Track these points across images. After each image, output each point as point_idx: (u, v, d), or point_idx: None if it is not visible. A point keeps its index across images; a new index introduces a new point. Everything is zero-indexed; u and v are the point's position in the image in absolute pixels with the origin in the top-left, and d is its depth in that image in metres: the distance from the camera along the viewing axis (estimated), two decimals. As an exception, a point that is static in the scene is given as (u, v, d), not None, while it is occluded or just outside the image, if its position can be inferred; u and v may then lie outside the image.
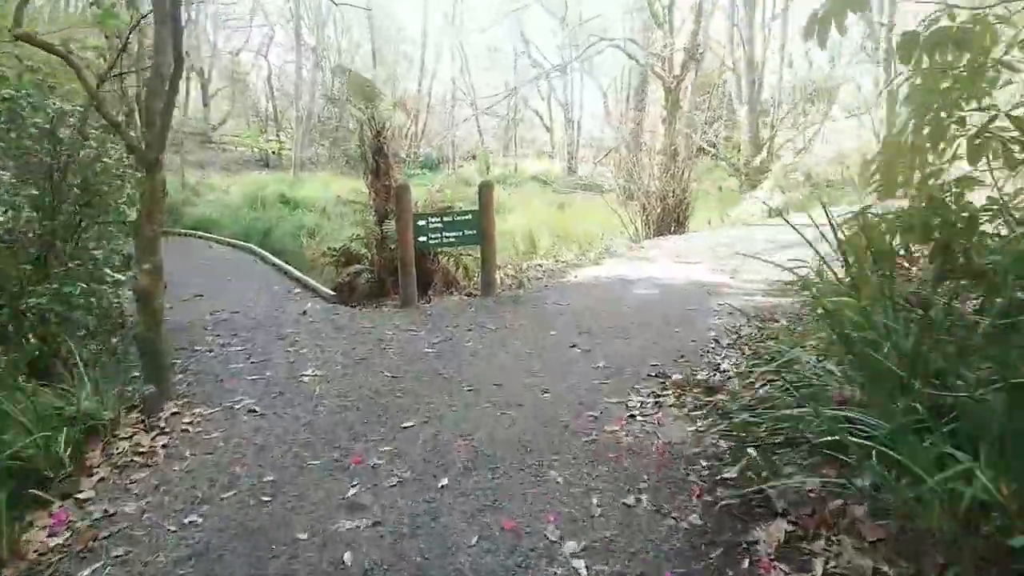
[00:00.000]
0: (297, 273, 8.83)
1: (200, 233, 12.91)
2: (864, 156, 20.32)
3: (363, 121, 9.01)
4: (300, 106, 32.56)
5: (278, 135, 35.91)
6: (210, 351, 5.54)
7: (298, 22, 34.67)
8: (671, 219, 12.90)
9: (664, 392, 4.24)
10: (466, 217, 7.34)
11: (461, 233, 7.31)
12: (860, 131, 27.24)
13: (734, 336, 5.35)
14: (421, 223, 7.09)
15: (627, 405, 4.05)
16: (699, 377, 4.38)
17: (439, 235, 7.21)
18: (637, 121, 16.92)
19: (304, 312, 6.81)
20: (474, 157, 33.31)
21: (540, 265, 10.87)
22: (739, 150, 24.65)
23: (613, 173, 21.16)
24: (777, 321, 5.61)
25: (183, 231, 13.44)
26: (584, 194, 25.85)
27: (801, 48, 32.38)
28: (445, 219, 7.24)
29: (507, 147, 40.35)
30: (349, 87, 9.09)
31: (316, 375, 4.85)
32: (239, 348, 5.59)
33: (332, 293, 7.78)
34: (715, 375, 4.42)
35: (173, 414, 4.22)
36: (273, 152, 35.61)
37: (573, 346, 5.38)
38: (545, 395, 4.30)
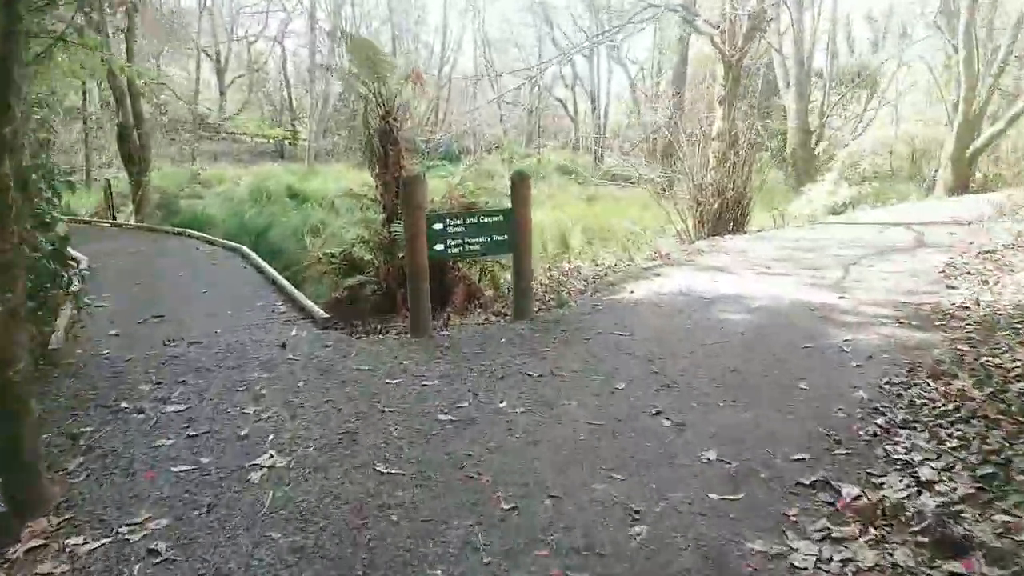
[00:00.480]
0: (287, 286, 7.19)
1: (190, 232, 11.37)
2: (936, 145, 18.28)
3: (367, 98, 7.35)
4: (315, 93, 31.07)
5: (293, 124, 34.48)
6: (139, 412, 3.91)
7: (314, 6, 33.15)
8: (729, 217, 11.07)
9: (842, 526, 2.51)
10: (495, 219, 5.63)
11: (488, 239, 5.62)
12: (918, 117, 25.07)
13: (903, 402, 3.59)
14: (437, 226, 5.39)
15: (789, 561, 2.33)
16: (891, 495, 2.64)
17: (460, 242, 5.51)
18: (679, 104, 15.07)
19: (284, 344, 5.16)
20: (497, 147, 31.57)
21: (578, 269, 9.17)
22: (783, 138, 22.61)
23: (647, 163, 19.32)
24: (954, 375, 3.84)
25: (175, 229, 11.93)
26: (613, 187, 24.04)
27: (852, 28, 30.12)
28: (469, 221, 5.54)
29: (530, 138, 38.51)
30: (352, 54, 7.42)
31: (273, 467, 3.18)
32: (179, 408, 3.95)
33: (325, 316, 6.12)
34: (916, 491, 2.68)
35: (30, 551, 2.59)
36: (288, 142, 34.21)
37: (657, 413, 3.66)
38: (636, 528, 2.58)
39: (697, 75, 22.47)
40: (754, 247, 8.91)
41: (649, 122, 24.61)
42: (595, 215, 16.94)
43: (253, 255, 8.99)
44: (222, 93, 37.54)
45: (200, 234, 11.04)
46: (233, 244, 9.89)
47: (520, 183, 5.63)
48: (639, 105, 33.29)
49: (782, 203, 15.10)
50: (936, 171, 22.48)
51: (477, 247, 5.60)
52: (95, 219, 14.52)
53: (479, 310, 7.04)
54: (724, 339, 4.93)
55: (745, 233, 10.84)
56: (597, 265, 9.71)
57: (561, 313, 6.01)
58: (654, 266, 8.00)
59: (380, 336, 5.68)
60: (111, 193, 15.02)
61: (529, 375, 4.33)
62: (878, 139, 22.41)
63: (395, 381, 4.28)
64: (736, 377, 4.16)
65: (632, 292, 6.58)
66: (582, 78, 42.57)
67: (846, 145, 22.67)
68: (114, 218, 14.58)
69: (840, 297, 5.96)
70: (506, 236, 5.67)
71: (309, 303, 6.35)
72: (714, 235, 10.90)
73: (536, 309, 6.36)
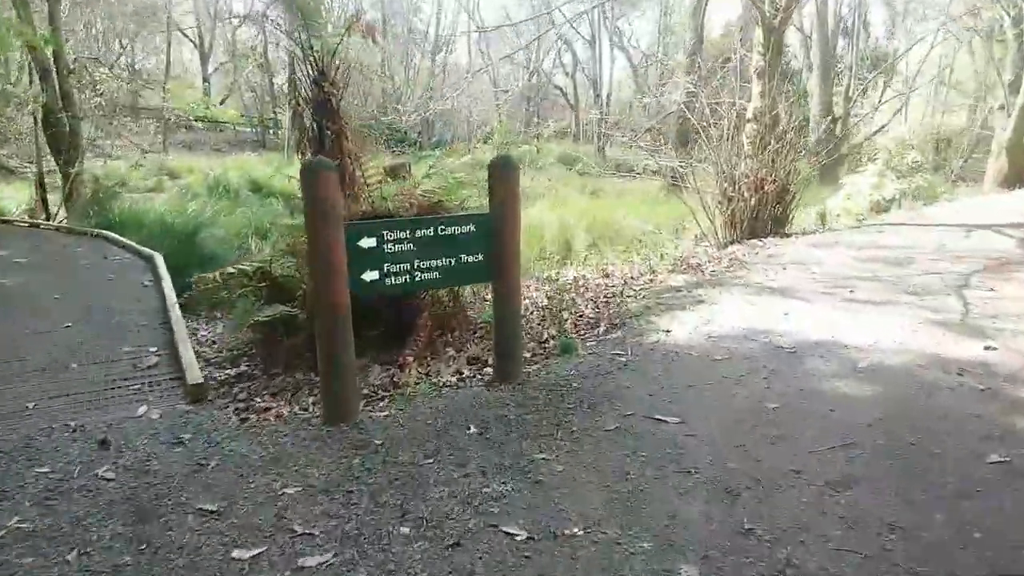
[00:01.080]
0: (178, 321, 5.13)
1: (107, 234, 9.31)
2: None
3: (293, 53, 5.30)
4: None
5: (275, 112, 32.30)
6: None
7: (295, -15, 30.93)
8: (767, 215, 9.02)
9: None
10: (465, 228, 3.57)
11: (453, 261, 3.56)
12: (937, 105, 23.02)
13: None
14: (366, 243, 3.31)
15: None
16: None
17: (407, 267, 3.46)
18: (703, 80, 12.98)
19: (105, 440, 3.13)
20: (492, 136, 29.43)
21: (582, 283, 7.13)
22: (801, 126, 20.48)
23: (659, 151, 17.33)
24: None
25: (93, 231, 9.87)
26: (617, 178, 21.94)
27: (870, 8, 27.94)
28: (421, 234, 3.47)
29: (528, 127, 36.35)
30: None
31: None
32: None
33: (197, 382, 4.02)
34: None
35: None
36: (272, 131, 32.15)
37: None
38: None
39: (712, 56, 20.36)
40: (816, 257, 6.85)
41: (659, 104, 22.46)
42: (600, 211, 14.86)
43: (160, 266, 6.94)
44: (205, 80, 35.41)
45: (117, 237, 8.98)
46: (149, 251, 7.84)
47: (504, 173, 3.58)
48: (647, 86, 31.10)
49: (810, 198, 13.05)
50: (963, 162, 20.51)
51: (435, 275, 3.55)
52: (19, 218, 12.46)
53: (450, 350, 5.00)
54: (845, 440, 2.89)
55: (790, 236, 8.80)
56: (607, 276, 7.67)
57: (566, 370, 3.97)
58: (689, 285, 5.95)
59: (282, 416, 3.63)
60: (44, 187, 12.95)
61: (508, 535, 2.30)
62: (912, 126, 20.37)
63: (252, 552, 2.25)
64: (905, 546, 2.14)
65: (668, 332, 4.54)
66: (584, 64, 40.48)
67: (875, 133, 20.64)
68: (47, 215, 12.51)
69: (986, 348, 3.92)
70: (481, 256, 3.62)
71: (189, 355, 4.27)
72: (750, 237, 8.85)
73: (528, 356, 4.33)
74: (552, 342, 4.70)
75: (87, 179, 12.94)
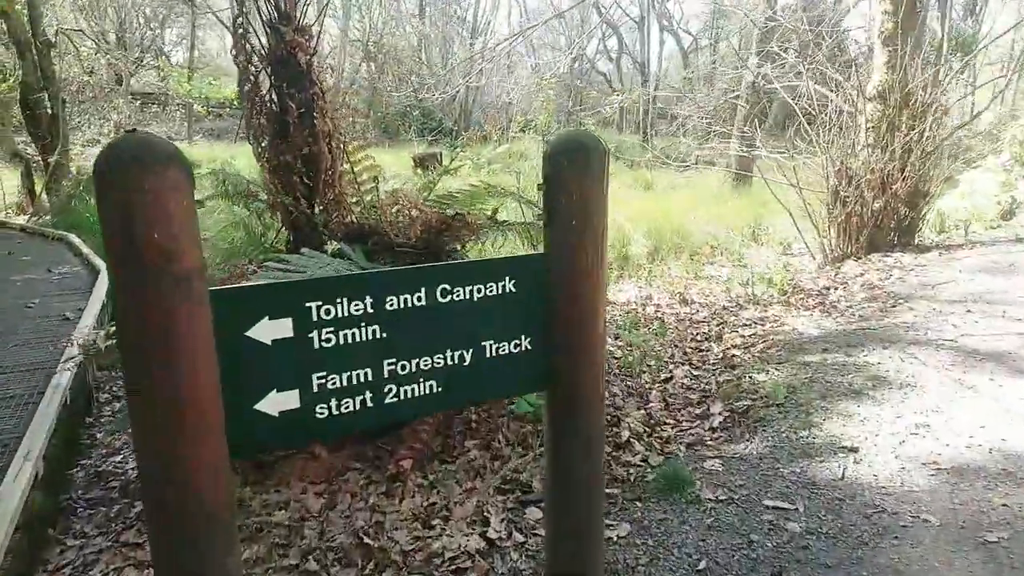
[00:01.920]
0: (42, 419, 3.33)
1: (71, 238, 7.70)
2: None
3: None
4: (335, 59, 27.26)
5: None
6: None
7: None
8: (892, 220, 6.93)
9: None
10: (497, 284, 1.68)
11: (469, 353, 1.67)
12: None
13: None
14: (267, 328, 1.45)
15: None
16: None
17: (366, 373, 1.58)
18: (805, 50, 10.75)
19: None
20: (531, 125, 27.42)
21: (655, 311, 5.22)
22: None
23: (727, 137, 15.22)
24: None
25: (58, 233, 8.30)
26: (671, 171, 19.72)
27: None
28: (400, 298, 1.58)
29: (570, 116, 34.19)
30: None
31: None
32: None
33: None
34: None
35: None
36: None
37: None
38: None
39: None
40: (999, 288, 4.77)
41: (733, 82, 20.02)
42: (658, 211, 12.79)
43: (104, 288, 5.23)
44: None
45: (78, 243, 7.35)
46: (102, 263, 6.17)
47: (576, 167, 1.66)
48: (718, 61, 28.58)
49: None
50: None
51: (429, 387, 1.65)
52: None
53: (472, 446, 3.11)
54: None
55: (927, 250, 6.70)
56: (687, 303, 5.73)
57: (686, 543, 2.06)
58: (831, 337, 3.94)
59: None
60: (31, 177, 11.49)
61: None
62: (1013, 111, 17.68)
63: None
64: None
65: (853, 452, 2.57)
66: (629, 49, 38.15)
67: (972, 119, 18.02)
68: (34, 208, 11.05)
69: None
70: (526, 339, 1.73)
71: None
72: (870, 251, 6.79)
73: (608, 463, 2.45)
74: (639, 457, 2.77)
75: (76, 169, 11.44)
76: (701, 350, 4.28)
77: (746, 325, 4.51)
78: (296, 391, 1.51)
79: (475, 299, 1.67)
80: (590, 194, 1.66)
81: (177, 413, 1.32)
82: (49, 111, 10.38)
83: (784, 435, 2.74)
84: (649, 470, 2.62)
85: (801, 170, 7.63)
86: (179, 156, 1.30)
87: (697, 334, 4.62)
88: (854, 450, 2.58)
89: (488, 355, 1.71)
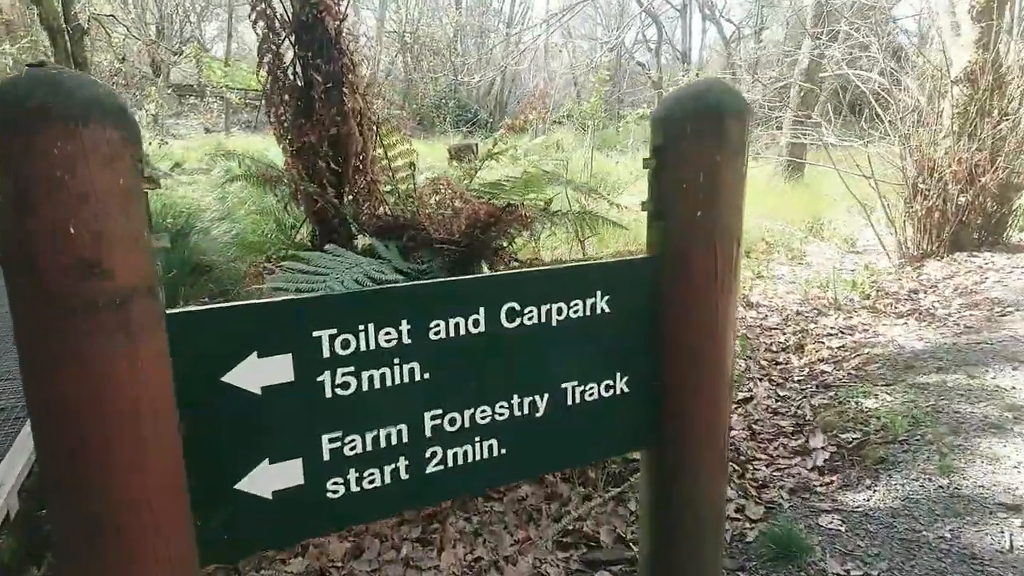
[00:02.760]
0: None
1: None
2: None
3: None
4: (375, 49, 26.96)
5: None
6: None
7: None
8: (979, 216, 6.23)
9: None
10: (585, 303, 1.20)
11: (543, 400, 1.20)
12: None
13: None
14: (248, 371, 0.99)
15: None
16: None
17: (398, 430, 1.11)
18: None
19: None
20: (568, 116, 26.79)
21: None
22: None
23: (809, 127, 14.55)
24: None
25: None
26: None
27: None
28: (442, 325, 1.10)
29: (609, 106, 33.41)
30: None
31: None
32: None
33: None
34: None
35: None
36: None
37: None
38: None
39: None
40: None
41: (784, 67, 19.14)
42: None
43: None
44: (230, 35, 33.83)
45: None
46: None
47: (707, 135, 1.15)
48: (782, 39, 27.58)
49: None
50: None
51: (488, 450, 1.18)
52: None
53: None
54: None
55: (1020, 250, 6.00)
56: (751, 306, 5.16)
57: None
58: (939, 352, 3.34)
59: None
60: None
61: None
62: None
63: None
64: None
65: (1016, 512, 2.02)
66: (669, 39, 37.18)
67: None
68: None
69: None
70: (621, 379, 1.24)
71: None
72: (954, 249, 6.12)
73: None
74: (733, 506, 2.25)
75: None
76: (779, 363, 3.73)
77: (831, 334, 3.94)
78: (298, 460, 1.03)
79: (554, 323, 1.18)
80: (724, 174, 1.15)
81: (113, 518, 0.86)
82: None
83: (917, 483, 2.19)
84: (748, 525, 2.10)
85: (871, 160, 6.96)
86: (113, 104, 0.83)
87: (771, 343, 4.06)
88: (1015, 508, 2.02)
89: (570, 402, 1.22)
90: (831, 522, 2.07)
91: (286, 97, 3.09)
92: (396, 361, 1.06)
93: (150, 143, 14.31)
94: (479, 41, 37.75)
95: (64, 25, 9.86)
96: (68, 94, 0.78)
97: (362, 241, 3.05)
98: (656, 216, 1.20)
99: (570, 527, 2.23)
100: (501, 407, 1.15)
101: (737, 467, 2.46)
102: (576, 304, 1.18)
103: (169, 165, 13.34)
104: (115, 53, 11.42)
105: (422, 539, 2.32)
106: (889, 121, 6.82)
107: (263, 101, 3.12)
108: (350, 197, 3.21)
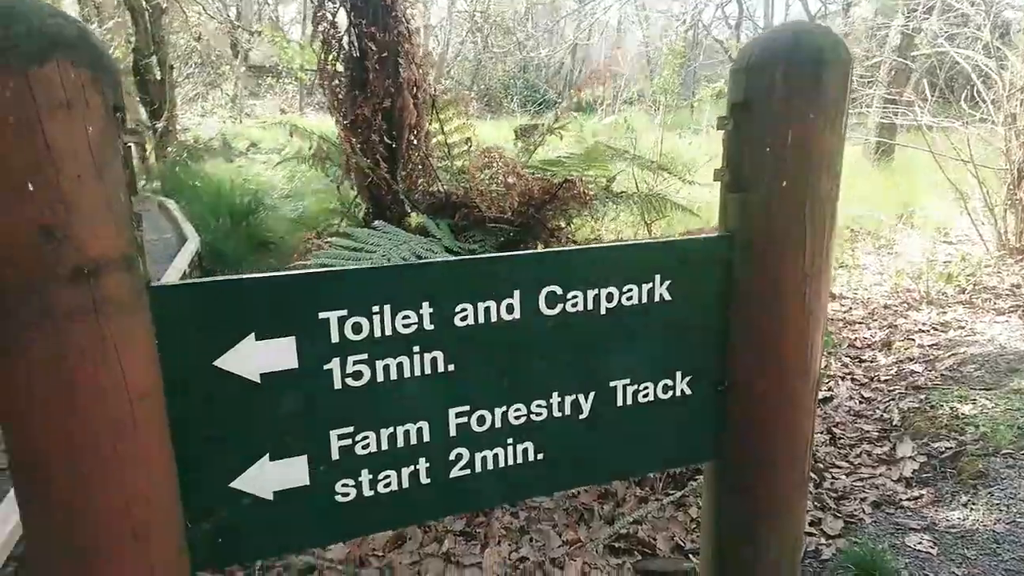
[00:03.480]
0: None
1: (168, 203, 7.64)
2: None
3: None
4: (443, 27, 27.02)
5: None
6: None
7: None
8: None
9: None
10: (640, 289, 1.03)
11: (588, 399, 1.04)
12: None
13: None
14: (242, 355, 0.86)
15: None
16: None
17: (424, 427, 0.97)
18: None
19: None
20: (640, 96, 26.07)
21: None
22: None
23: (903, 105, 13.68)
24: None
25: (159, 199, 8.34)
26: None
27: None
28: (469, 308, 0.94)
29: (683, 85, 32.37)
30: None
31: None
32: None
33: None
34: None
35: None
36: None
37: None
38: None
39: None
40: None
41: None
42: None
43: (187, 254, 4.96)
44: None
45: (174, 208, 7.26)
46: (191, 233, 5.94)
47: (799, 87, 0.95)
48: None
49: None
50: None
51: (523, 459, 1.02)
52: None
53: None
54: None
55: None
56: (834, 297, 4.77)
57: None
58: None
59: None
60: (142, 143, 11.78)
61: None
62: None
63: None
64: None
65: None
66: (751, 14, 35.67)
67: None
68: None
69: None
70: (683, 379, 1.06)
71: None
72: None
73: None
74: (808, 518, 2.03)
75: (188, 138, 11.61)
76: (864, 360, 3.42)
77: (923, 331, 3.59)
78: (303, 458, 0.90)
79: (602, 310, 1.00)
80: (819, 136, 0.94)
81: (91, 521, 0.75)
82: (158, 76, 10.50)
83: (1015, 490, 1.91)
84: (825, 541, 1.88)
85: (966, 142, 6.37)
86: (80, 38, 0.70)
87: (856, 339, 3.74)
88: None
89: (620, 404, 1.05)
90: (920, 543, 1.83)
91: (340, 68, 2.99)
92: (416, 349, 0.91)
93: (224, 122, 14.75)
94: (551, 19, 37.24)
95: (144, 4, 10.17)
96: (21, 24, 0.66)
97: (415, 219, 2.94)
98: (732, 186, 1.01)
99: (624, 531, 2.06)
100: (538, 406, 1.00)
101: (814, 475, 2.23)
102: (630, 289, 1.00)
103: (246, 144, 13.73)
104: (191, 33, 11.74)
105: (466, 532, 2.20)
106: (992, 100, 6.24)
107: (317, 73, 3.02)
108: (403, 173, 3.10)
